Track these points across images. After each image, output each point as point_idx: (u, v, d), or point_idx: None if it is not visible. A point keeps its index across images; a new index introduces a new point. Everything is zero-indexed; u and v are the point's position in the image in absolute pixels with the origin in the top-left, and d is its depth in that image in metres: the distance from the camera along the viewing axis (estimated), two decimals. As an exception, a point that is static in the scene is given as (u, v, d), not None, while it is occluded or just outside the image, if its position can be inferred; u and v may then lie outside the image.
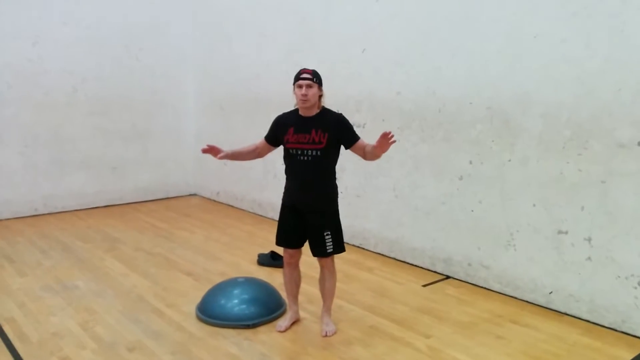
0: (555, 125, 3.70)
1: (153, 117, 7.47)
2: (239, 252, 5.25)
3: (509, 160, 4.00)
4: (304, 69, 3.28)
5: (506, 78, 3.96)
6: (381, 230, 5.11)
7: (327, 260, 3.42)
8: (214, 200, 7.58)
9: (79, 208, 6.94)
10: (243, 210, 7.00)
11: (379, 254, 5.14)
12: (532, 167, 3.85)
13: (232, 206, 7.22)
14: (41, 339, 3.44)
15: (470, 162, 4.26)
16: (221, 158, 3.46)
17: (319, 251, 3.39)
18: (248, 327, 3.58)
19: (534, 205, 3.87)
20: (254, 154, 3.59)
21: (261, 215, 6.68)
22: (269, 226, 6.15)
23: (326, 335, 3.47)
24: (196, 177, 7.85)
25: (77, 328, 3.60)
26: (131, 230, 6.00)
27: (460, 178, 4.35)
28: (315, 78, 3.24)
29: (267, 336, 3.49)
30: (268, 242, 5.46)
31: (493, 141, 4.09)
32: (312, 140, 3.26)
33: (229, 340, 3.43)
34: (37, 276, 4.57)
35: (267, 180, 6.50)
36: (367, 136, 5.04)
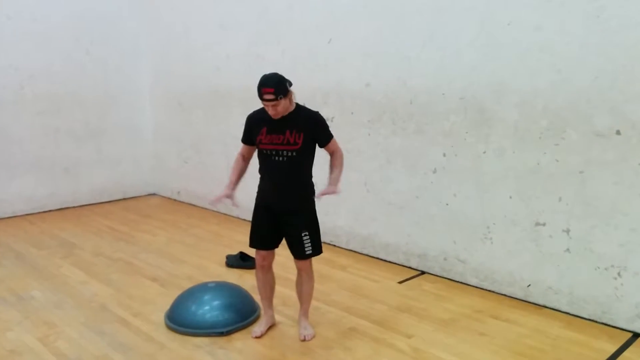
0: (531, 115, 3.63)
1: (107, 114, 7.12)
2: (206, 254, 5.03)
3: (484, 152, 3.92)
4: (264, 86, 2.94)
5: (479, 67, 3.88)
6: (353, 226, 4.98)
7: (305, 262, 3.27)
8: (175, 200, 7.30)
9: (30, 212, 6.57)
10: (206, 209, 6.75)
11: (351, 250, 5.02)
12: (508, 158, 3.79)
13: (194, 205, 6.97)
14: (-3, 358, 3.17)
15: (444, 155, 4.17)
16: (232, 195, 3.32)
17: (298, 253, 3.23)
18: (222, 334, 3.39)
19: (511, 197, 3.80)
20: (246, 163, 3.40)
21: (225, 214, 6.46)
22: (235, 225, 5.96)
23: (305, 340, 3.32)
24: (155, 176, 7.54)
25: (36, 344, 3.33)
26: (88, 234, 5.70)
27: (434, 171, 4.26)
28: (280, 94, 2.94)
29: (242, 343, 3.32)
30: (235, 242, 5.28)
31: (467, 132, 4.01)
32: (287, 141, 3.09)
33: (203, 349, 3.24)
34: (-11, 287, 4.26)
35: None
36: (337, 130, 4.87)
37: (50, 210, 6.71)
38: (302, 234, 3.19)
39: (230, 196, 3.31)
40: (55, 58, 6.55)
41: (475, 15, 3.87)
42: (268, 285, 3.43)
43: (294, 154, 3.10)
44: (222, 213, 6.51)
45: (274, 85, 2.95)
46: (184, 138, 6.91)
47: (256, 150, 3.28)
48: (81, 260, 4.86)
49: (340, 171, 3.22)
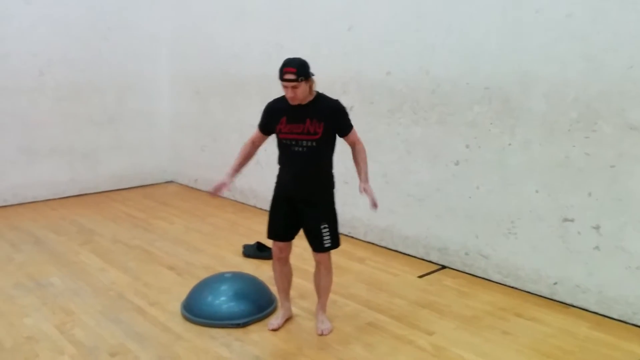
0: (560, 106, 3.50)
1: (125, 101, 7.08)
2: (223, 243, 4.99)
3: (510, 144, 3.79)
4: (287, 65, 2.89)
5: (506, 55, 3.74)
6: (371, 218, 4.88)
7: (323, 255, 3.19)
8: (192, 188, 7.27)
9: (50, 197, 6.57)
10: (223, 197, 6.68)
11: (370, 242, 4.93)
12: (535, 151, 3.66)
13: (212, 193, 6.91)
14: (15, 344, 3.15)
15: (467, 146, 4.05)
16: (229, 183, 3.29)
17: (316, 246, 3.15)
18: (238, 326, 3.34)
19: (537, 191, 3.68)
20: (254, 149, 3.33)
21: (243, 203, 6.40)
22: (252, 214, 5.90)
23: (322, 334, 3.25)
24: (172, 163, 7.51)
25: (54, 331, 3.31)
26: (107, 221, 5.68)
27: (457, 163, 4.14)
28: (301, 76, 2.87)
29: (259, 336, 3.26)
30: (252, 232, 5.22)
31: (492, 123, 3.88)
32: (307, 131, 3.00)
33: (219, 341, 3.19)
34: (8, 272, 4.25)
35: (248, 167, 6.13)
36: (356, 120, 4.76)
37: (70, 196, 6.71)
38: (322, 226, 3.11)
39: (228, 184, 3.26)
40: (74, 44, 6.51)
41: (501, 1, 3.72)
42: (285, 277, 3.36)
43: (314, 143, 3.02)
44: (239, 202, 6.46)
45: (297, 66, 2.89)
46: (201, 126, 6.85)
47: (275, 141, 3.20)
48: (99, 247, 4.85)
49: (366, 165, 3.15)
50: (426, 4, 4.19)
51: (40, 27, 6.24)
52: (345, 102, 4.87)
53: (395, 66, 4.49)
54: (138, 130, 7.25)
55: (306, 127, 2.99)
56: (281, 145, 3.14)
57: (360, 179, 3.13)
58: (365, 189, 3.08)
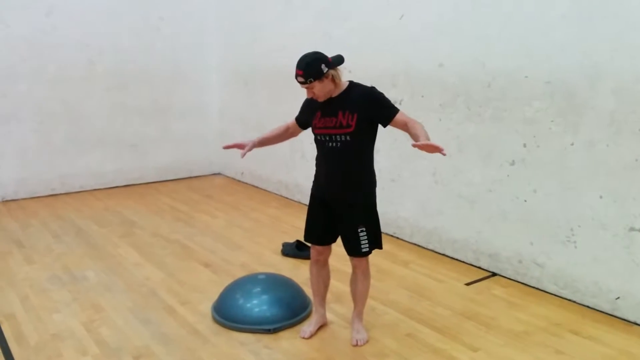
0: (632, 103, 3.12)
1: (174, 92, 7.04)
2: (262, 240, 4.83)
3: (572, 144, 3.44)
4: (296, 68, 2.71)
5: (571, 47, 3.38)
6: (418, 219, 4.61)
7: (361, 260, 2.95)
8: (238, 181, 7.17)
9: (97, 187, 6.63)
10: (268, 192, 6.57)
11: (415, 244, 4.65)
12: (601, 152, 3.29)
13: (256, 187, 6.80)
14: (40, 341, 3.09)
15: (525, 145, 3.71)
16: (248, 151, 3.02)
17: (352, 250, 2.93)
18: (269, 332, 3.17)
19: (601, 197, 3.32)
20: (286, 134, 3.16)
21: (287, 198, 6.24)
22: (295, 210, 5.73)
23: (357, 345, 3.03)
24: (220, 155, 7.41)
25: (80, 329, 3.24)
26: (150, 213, 5.65)
27: (512, 163, 3.81)
28: (310, 77, 2.66)
29: (289, 343, 3.07)
30: (294, 229, 5.05)
31: (553, 121, 3.53)
32: (340, 124, 2.78)
33: (247, 347, 3.03)
34: (46, 264, 4.24)
35: (294, 161, 6.04)
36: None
37: (116, 187, 6.75)
38: (358, 229, 2.88)
39: (245, 148, 3.02)
40: (125, 34, 6.51)
41: (568, -14, 3.37)
42: (322, 281, 3.15)
43: (348, 137, 2.78)
44: (283, 196, 6.30)
45: (304, 67, 2.68)
46: (248, 118, 6.72)
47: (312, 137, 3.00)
48: (138, 240, 4.80)
49: (425, 132, 2.68)
50: (482, -10, 3.87)
51: (93, 17, 6.26)
52: (393, 95, 4.67)
53: (448, 57, 4.19)
54: (186, 122, 7.20)
55: (338, 120, 2.78)
56: (317, 142, 2.94)
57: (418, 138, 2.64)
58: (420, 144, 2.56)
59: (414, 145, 2.56)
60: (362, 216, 2.91)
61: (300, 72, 2.69)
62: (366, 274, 3.02)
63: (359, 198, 2.91)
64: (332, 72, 2.73)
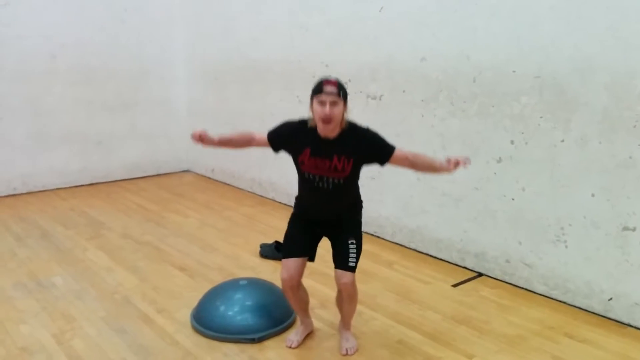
0: (625, 99, 3.04)
1: (140, 87, 6.75)
2: (239, 241, 4.64)
3: (562, 141, 3.35)
4: (326, 79, 2.56)
5: (561, 40, 3.29)
6: (400, 217, 4.49)
7: (346, 276, 2.71)
8: (209, 178, 6.93)
9: (61, 186, 6.32)
10: (241, 189, 6.36)
11: (398, 244, 4.53)
12: (593, 149, 3.21)
13: (228, 184, 6.58)
14: (7, 356, 2.87)
15: (512, 142, 3.62)
16: (208, 144, 2.77)
17: (341, 261, 2.74)
18: (253, 341, 2.99)
19: (593, 195, 3.24)
20: (250, 144, 2.85)
21: (261, 196, 6.04)
22: (271, 209, 5.55)
23: (346, 354, 2.88)
24: (189, 152, 7.17)
25: (51, 341, 3.01)
26: (118, 213, 5.39)
27: (499, 160, 3.72)
28: (342, 91, 2.54)
29: (275, 353, 2.91)
30: (270, 229, 4.87)
31: (542, 117, 3.44)
32: (334, 168, 2.62)
33: (231, 358, 2.85)
34: (10, 270, 3.98)
35: (267, 159, 5.78)
36: (385, 109, 4.42)
37: (81, 185, 6.45)
38: (349, 241, 2.75)
39: (206, 141, 2.74)
40: (88, 27, 6.21)
41: (558, -22, 3.27)
42: (301, 301, 2.96)
43: (341, 181, 2.65)
44: (257, 194, 6.11)
45: (338, 82, 2.57)
46: (219, 114, 6.49)
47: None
48: (108, 243, 4.55)
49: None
50: (468, -19, 3.74)
51: (54, 8, 5.93)
52: (374, 90, 4.54)
53: (431, 51, 4.06)
54: (153, 117, 6.93)
55: (333, 164, 2.62)
56: (302, 177, 2.75)
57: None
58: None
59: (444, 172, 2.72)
60: (353, 230, 2.80)
61: (335, 83, 2.54)
62: (352, 297, 2.82)
63: (350, 218, 2.83)
64: (348, 106, 2.63)
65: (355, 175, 2.74)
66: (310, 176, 2.68)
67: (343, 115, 2.60)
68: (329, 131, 2.59)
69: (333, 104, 2.51)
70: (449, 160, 2.64)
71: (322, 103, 2.51)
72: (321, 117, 2.53)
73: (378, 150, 2.68)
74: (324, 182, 2.66)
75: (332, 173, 2.63)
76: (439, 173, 2.84)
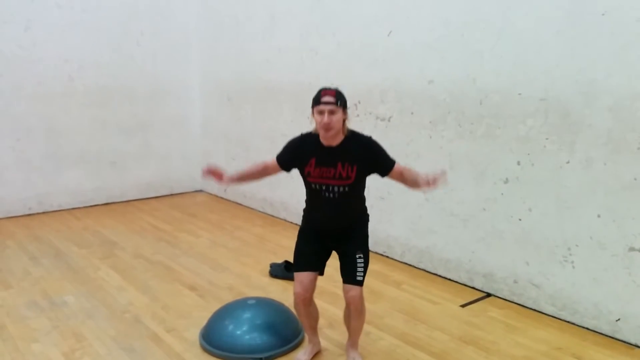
0: (629, 122, 3.07)
1: (155, 108, 6.88)
2: (249, 261, 4.69)
3: (568, 162, 3.38)
4: (325, 89, 2.67)
5: (566, 64, 3.34)
6: (409, 237, 4.52)
7: (355, 290, 2.77)
8: (221, 198, 7.01)
9: (76, 206, 6.42)
10: (252, 209, 6.43)
11: (406, 264, 4.55)
12: (598, 170, 3.24)
13: (240, 204, 6.65)
14: (18, 374, 2.92)
15: (519, 163, 3.65)
16: (225, 184, 2.97)
17: (348, 276, 2.79)
18: (260, 360, 3.03)
19: (599, 216, 3.26)
20: (264, 173, 3.02)
21: (272, 216, 6.11)
22: (281, 229, 5.60)
23: (353, 374, 2.91)
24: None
25: None
26: (131, 233, 5.46)
27: (506, 181, 3.75)
28: (339, 101, 2.63)
29: (283, 373, 2.94)
30: (280, 248, 4.92)
31: (547, 139, 3.47)
32: (339, 175, 2.69)
33: (238, 378, 2.89)
34: (23, 289, 4.05)
35: (279, 179, 5.86)
36: (394, 130, 4.48)
37: (96, 205, 6.55)
38: (357, 255, 2.79)
39: (223, 181, 2.94)
40: (105, 49, 6.35)
41: (561, 2, 3.33)
42: (312, 317, 3.00)
43: (346, 189, 2.72)
44: (268, 214, 6.17)
45: (336, 91, 2.66)
46: (232, 134, 6.60)
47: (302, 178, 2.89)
48: (120, 262, 4.62)
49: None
50: (474, 5, 3.81)
51: (72, 31, 6.09)
52: (382, 112, 4.60)
53: (438, 74, 4.13)
54: (168, 138, 7.04)
55: (337, 171, 2.69)
56: (309, 189, 2.83)
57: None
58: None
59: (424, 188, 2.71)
60: (360, 244, 2.85)
61: (333, 93, 2.63)
62: (359, 310, 2.86)
63: (357, 231, 2.87)
64: (348, 113, 2.73)
65: (361, 184, 2.79)
66: (317, 186, 2.76)
67: (344, 123, 2.69)
68: (330, 139, 2.69)
69: (331, 112, 2.61)
70: (427, 181, 2.66)
71: (321, 112, 2.62)
72: (321, 126, 2.64)
73: (381, 160, 2.76)
74: (330, 191, 2.72)
75: (337, 181, 2.70)
76: (421, 189, 2.81)
